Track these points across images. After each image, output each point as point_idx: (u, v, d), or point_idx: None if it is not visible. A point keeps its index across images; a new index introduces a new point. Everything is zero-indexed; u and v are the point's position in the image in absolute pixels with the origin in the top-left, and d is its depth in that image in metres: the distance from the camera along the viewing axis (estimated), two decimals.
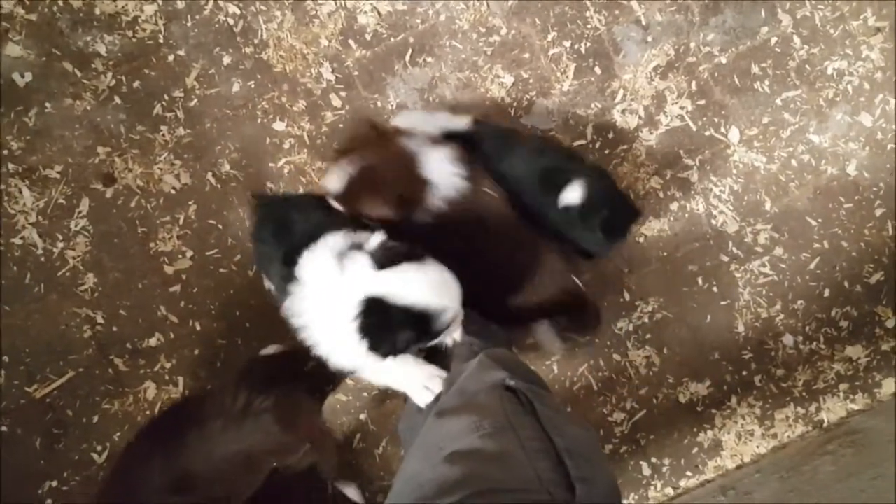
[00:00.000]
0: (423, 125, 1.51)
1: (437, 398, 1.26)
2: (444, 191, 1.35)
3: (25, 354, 1.69)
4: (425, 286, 1.12)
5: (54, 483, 1.72)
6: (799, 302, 1.89)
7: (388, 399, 1.80)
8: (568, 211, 1.46)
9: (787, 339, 1.90)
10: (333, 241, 1.18)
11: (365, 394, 1.80)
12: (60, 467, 1.72)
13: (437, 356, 1.36)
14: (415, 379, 1.28)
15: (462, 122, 1.55)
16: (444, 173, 1.35)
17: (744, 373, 1.89)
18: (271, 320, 1.74)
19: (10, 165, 1.70)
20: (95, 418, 1.72)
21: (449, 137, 1.49)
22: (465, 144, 1.46)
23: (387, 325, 1.10)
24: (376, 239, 1.16)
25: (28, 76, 1.71)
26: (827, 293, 1.89)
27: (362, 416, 1.80)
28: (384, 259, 1.12)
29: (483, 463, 0.83)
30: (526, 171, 1.47)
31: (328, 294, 1.13)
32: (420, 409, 1.29)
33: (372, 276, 1.10)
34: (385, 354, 1.14)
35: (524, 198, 1.46)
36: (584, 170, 1.52)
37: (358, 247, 1.16)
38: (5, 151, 1.70)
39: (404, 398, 1.41)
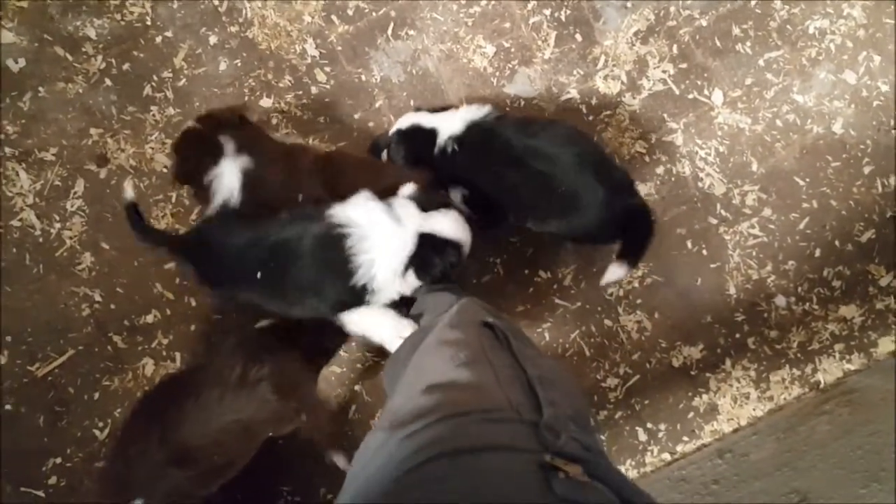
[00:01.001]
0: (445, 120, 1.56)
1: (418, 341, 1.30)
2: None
3: (27, 334, 1.73)
4: (457, 225, 1.41)
5: (58, 460, 1.75)
6: (790, 262, 1.89)
7: (380, 370, 1.82)
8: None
9: (780, 301, 1.89)
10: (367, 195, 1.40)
11: (359, 365, 1.83)
12: (63, 444, 1.75)
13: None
14: (391, 328, 1.45)
15: (484, 110, 1.55)
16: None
17: (737, 335, 1.89)
18: None
19: (7, 149, 1.74)
20: (96, 395, 1.75)
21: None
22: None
23: (436, 254, 1.38)
24: (410, 188, 1.42)
25: (21, 62, 1.75)
26: (818, 253, 1.89)
27: (357, 388, 1.82)
28: (426, 204, 1.39)
29: (457, 391, 0.85)
30: (559, 150, 1.48)
31: (382, 234, 1.35)
32: (402, 356, 1.32)
33: (421, 218, 1.36)
34: (433, 279, 1.39)
35: (556, 173, 1.47)
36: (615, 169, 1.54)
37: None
38: (2, 136, 1.75)
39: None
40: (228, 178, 1.42)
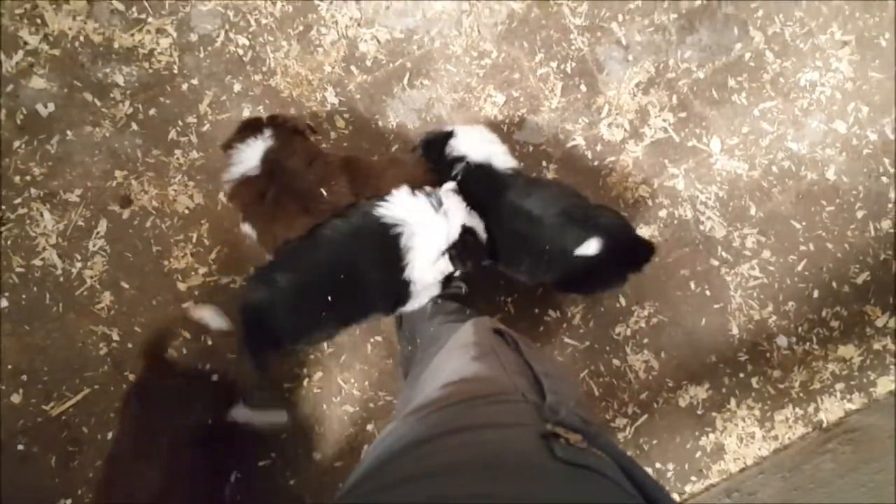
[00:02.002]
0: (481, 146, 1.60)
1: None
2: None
3: (43, 373, 1.75)
4: (481, 223, 1.53)
5: (69, 501, 1.74)
6: (790, 303, 1.95)
7: (393, 410, 1.84)
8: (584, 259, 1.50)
9: (781, 341, 1.95)
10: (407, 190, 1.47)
11: (372, 405, 1.85)
12: (74, 485, 1.75)
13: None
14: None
15: (511, 162, 1.60)
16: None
17: (741, 375, 1.93)
18: None
19: (33, 190, 1.79)
20: (109, 435, 1.76)
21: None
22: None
23: (476, 246, 1.49)
24: (452, 185, 1.53)
25: (51, 106, 1.82)
26: (816, 294, 1.96)
27: (369, 427, 1.84)
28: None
29: (467, 383, 0.90)
30: (545, 211, 1.51)
31: (428, 226, 1.43)
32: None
33: (466, 212, 1.47)
34: (469, 267, 1.48)
35: (543, 234, 1.51)
36: (601, 214, 1.56)
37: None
38: (28, 178, 1.80)
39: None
40: (250, 152, 1.47)
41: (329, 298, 1.42)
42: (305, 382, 1.83)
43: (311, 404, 1.83)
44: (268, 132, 1.49)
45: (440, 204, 1.43)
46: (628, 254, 1.54)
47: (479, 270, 1.55)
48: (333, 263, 1.42)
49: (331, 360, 1.84)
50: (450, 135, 1.58)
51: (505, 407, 0.79)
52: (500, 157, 1.56)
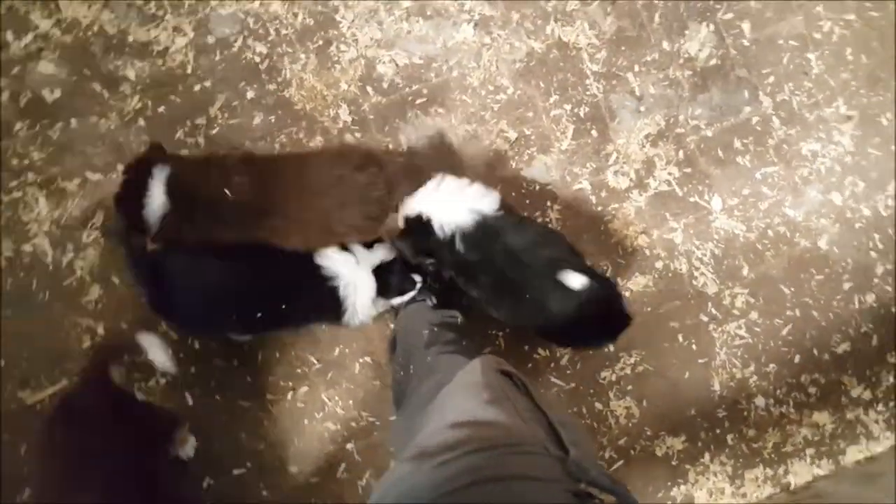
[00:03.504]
0: (448, 202, 1.55)
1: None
2: None
3: (22, 360, 1.71)
4: (386, 250, 1.67)
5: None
6: (771, 365, 2.00)
7: (375, 431, 1.84)
8: (566, 296, 1.51)
9: (760, 401, 1.99)
10: None
11: (353, 424, 1.84)
12: None
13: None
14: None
15: (493, 202, 1.55)
16: None
17: (717, 430, 1.97)
18: (271, 342, 1.81)
19: (30, 175, 1.76)
20: None
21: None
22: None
23: (388, 276, 1.65)
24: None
25: (57, 93, 1.79)
26: (797, 359, 2.00)
27: (349, 446, 1.83)
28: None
29: (484, 427, 0.89)
30: (532, 255, 1.51)
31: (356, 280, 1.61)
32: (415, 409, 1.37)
33: (368, 255, 1.63)
34: (399, 292, 1.69)
35: (527, 280, 1.51)
36: (586, 268, 1.58)
37: None
38: (26, 161, 1.77)
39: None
40: (154, 193, 1.47)
41: (259, 315, 1.55)
42: (290, 395, 1.82)
43: (293, 418, 1.82)
44: (155, 168, 1.49)
45: (355, 258, 1.59)
46: (607, 317, 1.58)
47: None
48: (271, 287, 1.54)
49: (317, 377, 1.84)
50: (425, 221, 1.53)
51: (530, 459, 0.79)
52: (484, 203, 1.52)
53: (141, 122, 1.80)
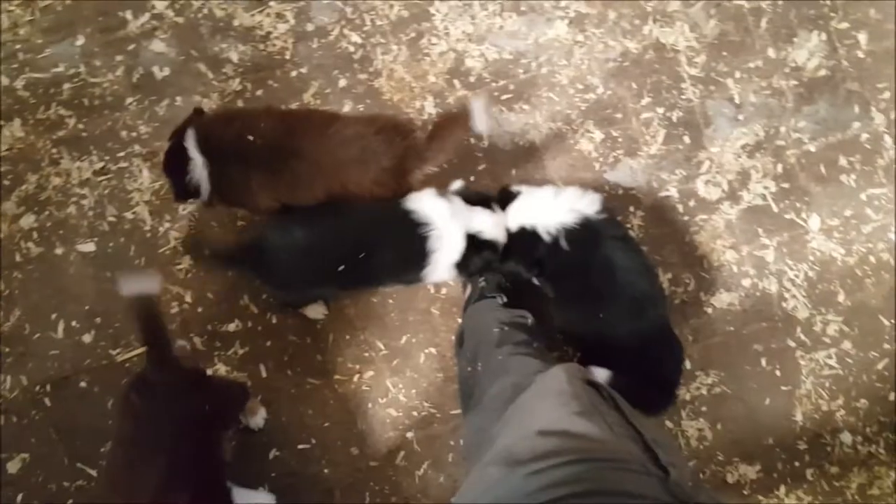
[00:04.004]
0: (545, 207, 1.55)
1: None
2: None
3: (115, 320, 1.83)
4: (497, 226, 1.58)
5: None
6: (862, 401, 1.85)
7: (435, 422, 1.85)
8: (636, 332, 1.50)
9: (846, 437, 1.85)
10: None
11: (415, 413, 1.85)
12: None
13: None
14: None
15: (594, 203, 1.54)
16: None
17: (796, 463, 1.84)
18: (343, 324, 1.85)
19: (136, 147, 1.88)
20: None
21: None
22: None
23: (476, 253, 1.57)
24: (458, 184, 1.64)
25: (166, 70, 1.90)
26: (892, 397, 1.85)
27: (409, 435, 1.84)
28: (472, 199, 1.61)
29: (577, 439, 0.86)
30: (628, 278, 1.50)
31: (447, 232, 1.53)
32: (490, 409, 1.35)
33: (468, 216, 1.55)
34: (469, 274, 1.65)
35: (611, 293, 1.50)
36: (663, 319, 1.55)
37: None
38: (133, 134, 1.89)
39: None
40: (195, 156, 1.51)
41: (341, 269, 1.52)
42: (356, 378, 1.85)
43: (358, 400, 1.85)
44: (188, 132, 1.53)
45: (454, 209, 1.51)
46: (657, 380, 1.54)
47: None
48: (355, 239, 1.52)
49: (383, 362, 1.86)
50: (530, 231, 1.53)
51: (628, 475, 0.76)
52: (584, 203, 1.51)
53: (240, 103, 1.89)
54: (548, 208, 1.50)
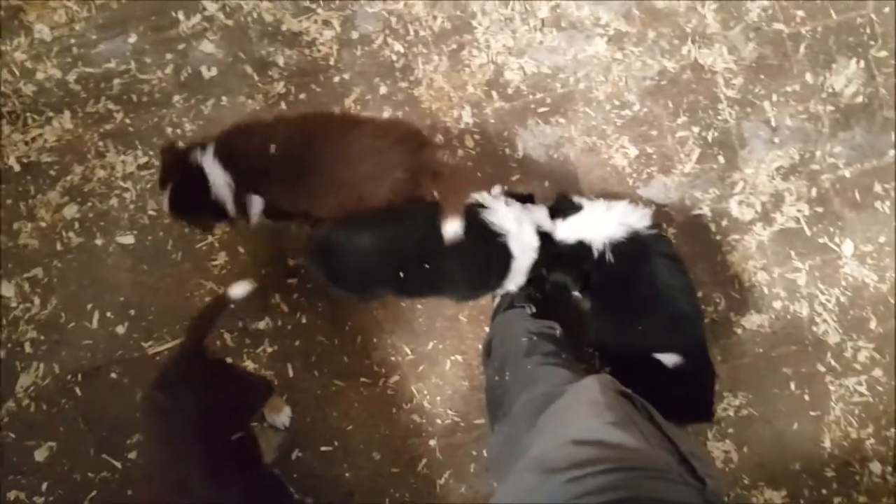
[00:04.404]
0: (599, 221, 1.57)
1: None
2: None
3: (149, 313, 1.86)
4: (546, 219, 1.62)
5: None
6: (892, 430, 1.83)
7: (458, 431, 1.84)
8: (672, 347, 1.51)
9: (875, 467, 1.82)
10: None
11: (438, 421, 1.85)
12: None
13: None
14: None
15: (645, 218, 1.56)
16: None
17: (823, 491, 1.82)
18: (371, 327, 1.86)
19: (181, 144, 1.91)
20: None
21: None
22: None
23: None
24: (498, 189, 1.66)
25: (213, 71, 1.95)
26: None
27: (431, 442, 1.84)
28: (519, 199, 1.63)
29: (611, 448, 0.86)
30: (672, 296, 1.51)
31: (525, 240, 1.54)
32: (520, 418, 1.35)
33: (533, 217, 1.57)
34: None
35: (652, 308, 1.51)
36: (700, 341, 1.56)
37: None
38: (178, 131, 1.93)
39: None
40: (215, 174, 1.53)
41: (401, 275, 1.50)
42: (381, 382, 1.86)
43: (382, 404, 1.85)
44: (196, 154, 1.54)
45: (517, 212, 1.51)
46: (693, 398, 1.53)
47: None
48: (422, 247, 1.49)
49: (409, 368, 1.87)
50: (586, 245, 1.54)
51: (666, 485, 0.77)
52: (635, 218, 1.53)
53: (283, 105, 1.93)
54: (600, 222, 1.52)
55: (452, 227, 1.43)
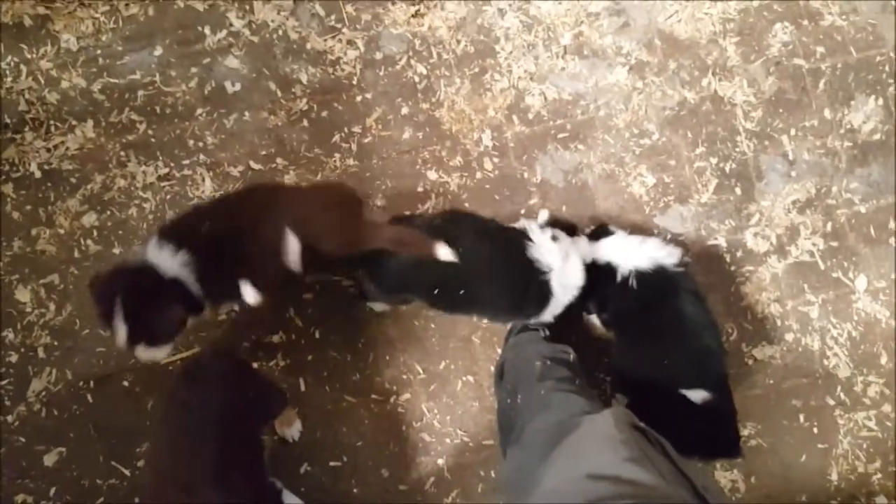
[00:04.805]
0: (629, 250, 1.59)
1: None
2: None
3: None
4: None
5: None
6: None
7: (467, 451, 1.85)
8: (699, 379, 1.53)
9: (881, 501, 1.83)
10: None
11: (447, 440, 1.86)
12: None
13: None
14: None
15: (674, 256, 1.57)
16: None
17: None
18: (384, 344, 1.87)
19: (201, 157, 1.94)
20: None
21: None
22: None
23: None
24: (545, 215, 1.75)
25: (237, 86, 1.97)
26: None
27: (440, 461, 1.85)
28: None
29: (627, 485, 0.87)
30: (698, 330, 1.53)
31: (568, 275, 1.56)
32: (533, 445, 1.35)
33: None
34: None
35: (678, 341, 1.53)
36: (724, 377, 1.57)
37: None
38: (200, 144, 1.95)
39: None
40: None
41: (436, 292, 1.53)
42: (392, 399, 1.87)
43: (392, 422, 1.86)
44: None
45: (571, 255, 1.51)
46: (717, 435, 1.54)
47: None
48: (458, 271, 1.48)
49: (420, 386, 1.88)
50: (612, 268, 1.57)
51: None
52: (663, 254, 1.55)
53: (305, 122, 1.95)
54: (630, 250, 1.55)
55: (444, 253, 1.44)
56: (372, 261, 1.58)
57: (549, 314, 1.58)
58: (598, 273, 1.57)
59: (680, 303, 1.48)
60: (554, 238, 1.53)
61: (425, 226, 1.56)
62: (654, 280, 1.51)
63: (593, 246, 1.59)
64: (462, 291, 1.51)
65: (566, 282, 1.52)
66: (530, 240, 1.52)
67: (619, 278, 1.53)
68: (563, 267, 1.51)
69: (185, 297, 1.43)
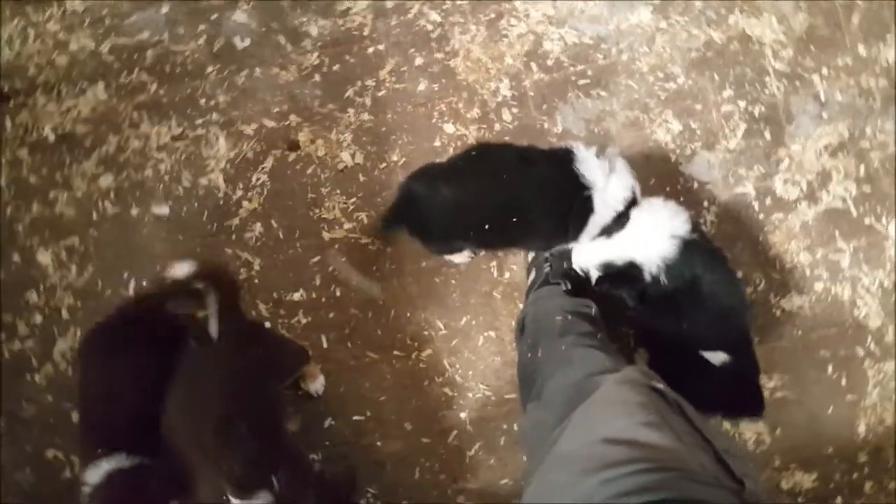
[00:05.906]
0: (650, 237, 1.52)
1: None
2: None
3: None
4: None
5: None
6: None
7: (489, 405, 1.86)
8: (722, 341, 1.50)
9: None
10: None
11: (469, 394, 1.87)
12: None
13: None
14: None
15: (686, 222, 1.51)
16: None
17: (854, 475, 1.81)
18: (404, 301, 1.87)
19: (214, 115, 1.91)
20: None
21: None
22: None
23: None
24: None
25: (247, 41, 1.92)
26: None
27: (462, 415, 1.86)
28: None
29: (645, 449, 0.86)
30: (714, 291, 1.49)
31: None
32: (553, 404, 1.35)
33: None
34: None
35: (694, 304, 1.49)
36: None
37: None
38: (212, 103, 1.92)
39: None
40: None
41: (487, 227, 1.49)
42: (414, 355, 1.87)
43: (415, 377, 1.87)
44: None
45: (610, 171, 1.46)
46: (741, 395, 1.51)
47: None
48: (505, 200, 1.47)
49: (442, 342, 1.87)
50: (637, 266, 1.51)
51: (705, 489, 0.76)
52: (678, 224, 1.49)
53: (317, 77, 1.90)
54: (648, 241, 1.49)
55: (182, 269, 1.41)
56: (410, 219, 1.58)
57: (588, 235, 1.52)
58: (626, 274, 1.52)
59: (696, 271, 1.44)
60: (597, 157, 1.48)
61: (449, 168, 1.54)
62: (680, 260, 1.45)
63: (610, 244, 1.54)
64: (514, 219, 1.47)
65: (607, 199, 1.47)
66: (575, 156, 1.47)
67: (648, 277, 1.48)
68: (606, 185, 1.46)
69: None
